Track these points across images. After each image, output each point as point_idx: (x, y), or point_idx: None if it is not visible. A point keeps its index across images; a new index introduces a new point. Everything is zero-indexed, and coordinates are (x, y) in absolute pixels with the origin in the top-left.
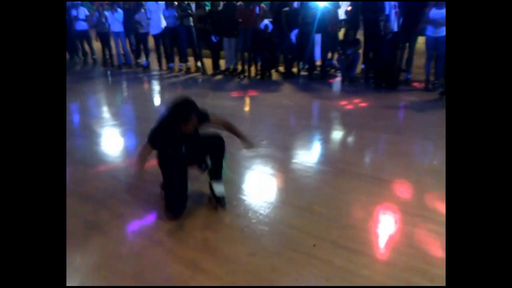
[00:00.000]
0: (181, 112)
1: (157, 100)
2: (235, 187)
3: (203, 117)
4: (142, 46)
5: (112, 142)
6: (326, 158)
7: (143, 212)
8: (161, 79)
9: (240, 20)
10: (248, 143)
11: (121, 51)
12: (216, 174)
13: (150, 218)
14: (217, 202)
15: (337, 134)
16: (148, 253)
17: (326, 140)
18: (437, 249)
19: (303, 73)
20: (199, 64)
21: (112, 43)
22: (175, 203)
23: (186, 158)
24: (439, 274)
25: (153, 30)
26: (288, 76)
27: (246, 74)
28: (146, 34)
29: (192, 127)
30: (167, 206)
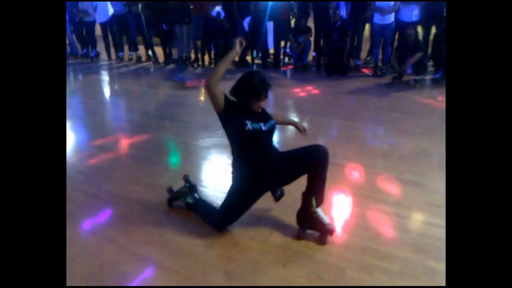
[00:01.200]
0: (254, 87)
1: (106, 92)
2: (192, 178)
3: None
4: (88, 35)
5: None
6: (280, 145)
7: (94, 210)
8: (110, 69)
9: (191, 6)
10: (301, 127)
11: (66, 41)
12: (322, 198)
13: (102, 216)
14: (330, 234)
15: None
16: (101, 253)
17: (279, 128)
18: (387, 228)
19: (257, 61)
20: (150, 52)
21: None
22: (228, 223)
23: (271, 180)
24: (389, 252)
25: (100, 18)
26: (242, 64)
27: (200, 62)
28: (92, 22)
29: (258, 107)
30: (216, 223)
